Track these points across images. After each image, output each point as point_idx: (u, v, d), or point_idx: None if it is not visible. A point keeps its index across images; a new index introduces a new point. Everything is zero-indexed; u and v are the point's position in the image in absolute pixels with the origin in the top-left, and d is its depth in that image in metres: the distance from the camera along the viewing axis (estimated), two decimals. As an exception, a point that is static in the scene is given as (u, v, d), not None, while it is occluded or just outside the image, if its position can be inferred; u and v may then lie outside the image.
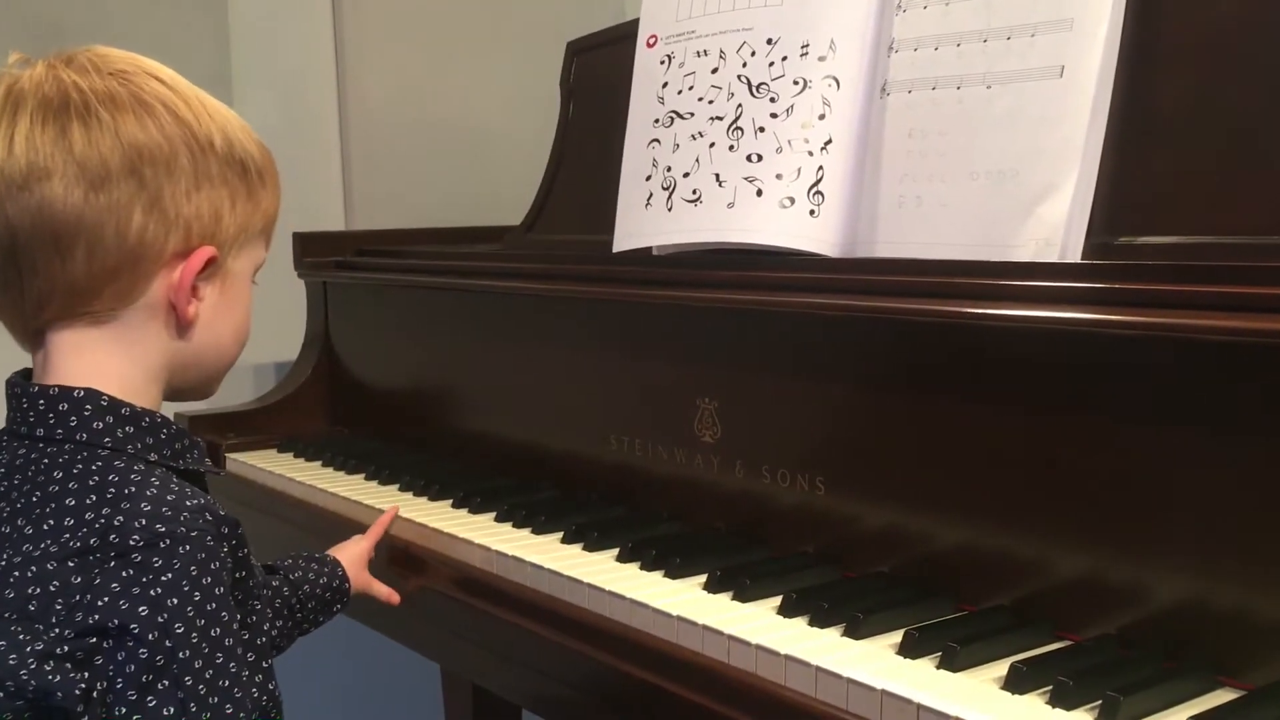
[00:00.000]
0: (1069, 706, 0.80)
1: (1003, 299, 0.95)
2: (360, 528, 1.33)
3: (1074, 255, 1.02)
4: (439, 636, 1.28)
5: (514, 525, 1.27)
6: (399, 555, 1.28)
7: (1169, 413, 0.87)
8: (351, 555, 1.18)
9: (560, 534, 1.22)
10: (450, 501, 1.37)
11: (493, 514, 1.31)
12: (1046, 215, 1.03)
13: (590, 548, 1.18)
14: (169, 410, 0.90)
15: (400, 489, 1.44)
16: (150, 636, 0.74)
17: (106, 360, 0.84)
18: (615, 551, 1.15)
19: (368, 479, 1.50)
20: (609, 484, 1.33)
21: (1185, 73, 1.01)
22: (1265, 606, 0.82)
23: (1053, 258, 1.02)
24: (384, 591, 1.21)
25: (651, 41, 1.36)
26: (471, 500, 1.34)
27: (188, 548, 0.77)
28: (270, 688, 0.82)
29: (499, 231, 1.76)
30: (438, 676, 1.91)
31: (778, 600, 1.00)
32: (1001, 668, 0.85)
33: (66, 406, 0.82)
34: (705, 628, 0.96)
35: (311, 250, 1.82)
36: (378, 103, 2.09)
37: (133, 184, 0.81)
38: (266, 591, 1.06)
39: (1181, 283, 0.86)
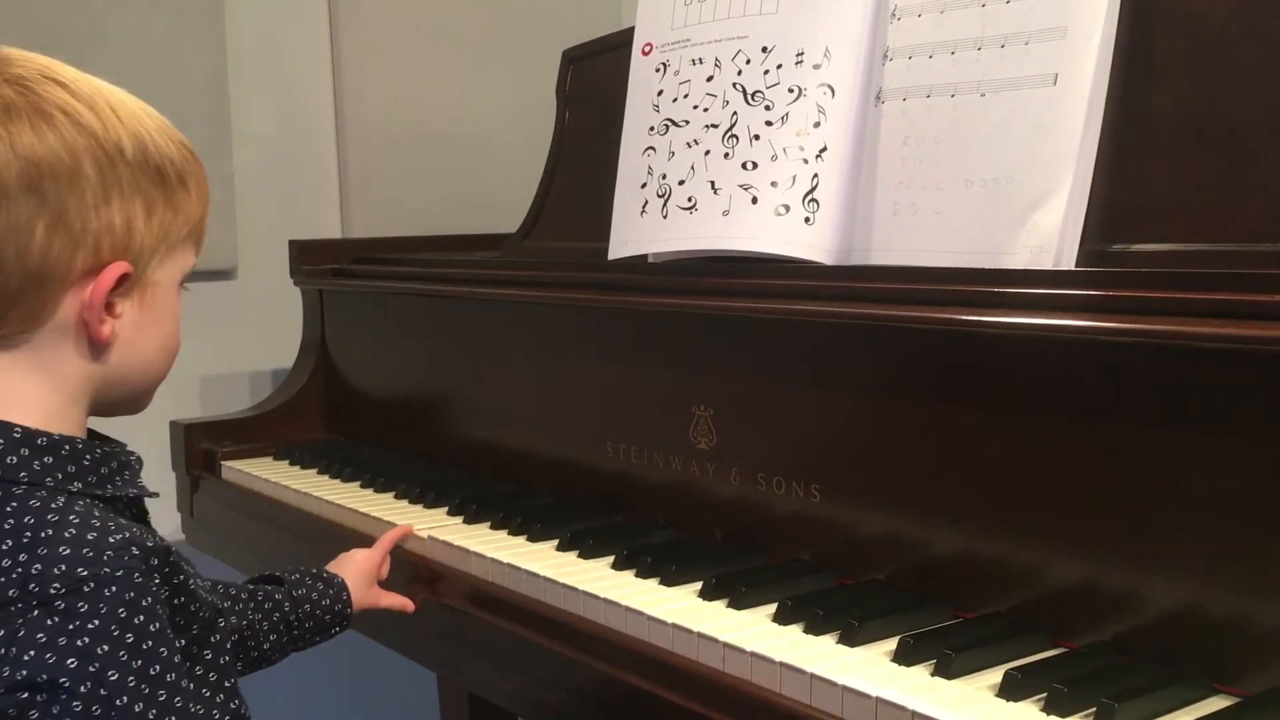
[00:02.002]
0: (1064, 714, 0.80)
1: (998, 306, 0.95)
2: (357, 535, 1.34)
3: (1068, 262, 1.02)
4: (434, 644, 1.28)
5: (509, 532, 1.27)
6: (395, 563, 1.28)
7: (1163, 420, 0.87)
8: (357, 570, 1.17)
9: (556, 541, 1.22)
10: (446, 509, 1.36)
11: (488, 521, 1.31)
12: (1041, 222, 1.03)
13: (586, 555, 1.17)
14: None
15: (396, 496, 1.44)
16: (83, 689, 0.70)
17: (21, 385, 0.79)
18: (611, 559, 1.15)
19: (363, 486, 1.50)
20: (605, 491, 1.33)
21: (1179, 80, 1.02)
22: (1261, 613, 0.82)
23: (1047, 265, 1.02)
24: (397, 602, 1.20)
25: (647, 50, 1.36)
26: (467, 508, 1.34)
27: (114, 589, 0.72)
28: (233, 706, 0.80)
29: (495, 239, 1.77)
30: (434, 684, 1.91)
31: (773, 607, 1.00)
32: (997, 675, 0.85)
33: None
34: (700, 635, 0.96)
35: (308, 258, 1.82)
36: (374, 110, 2.10)
37: (33, 201, 0.75)
38: (259, 617, 1.05)
39: (1176, 290, 0.86)
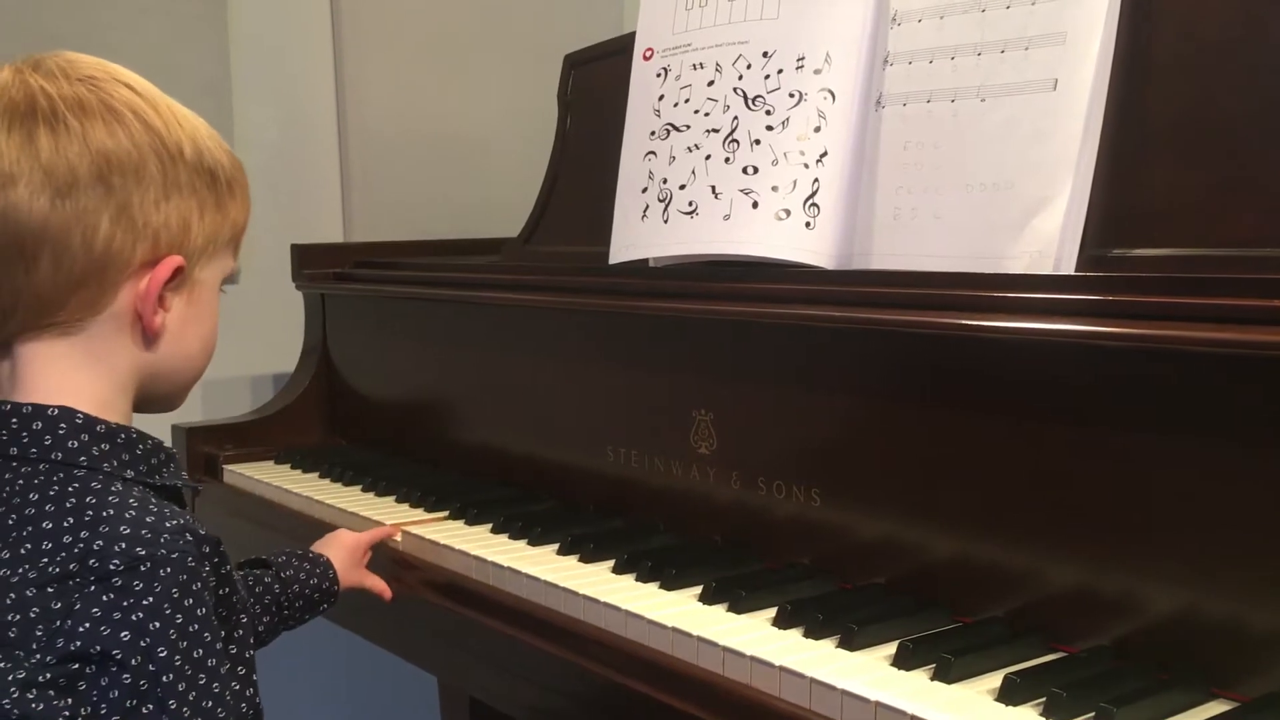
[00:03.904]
0: (1063, 718, 0.80)
1: (997, 311, 0.95)
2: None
3: (1068, 267, 1.02)
4: (436, 648, 1.28)
5: (510, 536, 1.27)
6: (396, 566, 1.28)
7: (1162, 424, 0.87)
8: (342, 550, 1.18)
9: (557, 545, 1.22)
10: (447, 512, 1.37)
11: (489, 525, 1.31)
12: (1041, 227, 1.03)
13: (586, 559, 1.18)
14: (153, 423, 0.89)
15: (397, 500, 1.44)
16: (133, 661, 0.73)
17: (75, 373, 0.82)
18: (611, 563, 1.15)
19: (365, 490, 1.50)
20: (606, 495, 1.33)
21: (1178, 85, 1.02)
22: (1259, 618, 0.82)
23: (1047, 270, 1.02)
24: (378, 585, 1.21)
25: (648, 54, 1.37)
26: (468, 511, 1.34)
27: (168, 570, 0.75)
28: (249, 694, 0.81)
29: (496, 243, 1.77)
30: (435, 688, 1.91)
31: (773, 611, 1.00)
32: (996, 679, 0.86)
33: (41, 425, 0.80)
34: (700, 639, 0.96)
35: (310, 262, 1.83)
36: (376, 115, 2.10)
37: (100, 191, 0.79)
38: (251, 601, 1.06)
39: (1175, 295, 0.86)
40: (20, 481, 0.79)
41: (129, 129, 0.81)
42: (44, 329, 0.81)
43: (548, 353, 1.43)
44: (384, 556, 1.28)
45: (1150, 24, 1.03)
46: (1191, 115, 1.00)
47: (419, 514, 1.38)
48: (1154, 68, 1.03)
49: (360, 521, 1.38)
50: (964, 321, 0.96)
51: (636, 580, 1.11)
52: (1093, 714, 0.80)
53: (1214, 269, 0.93)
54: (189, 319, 0.86)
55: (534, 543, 1.24)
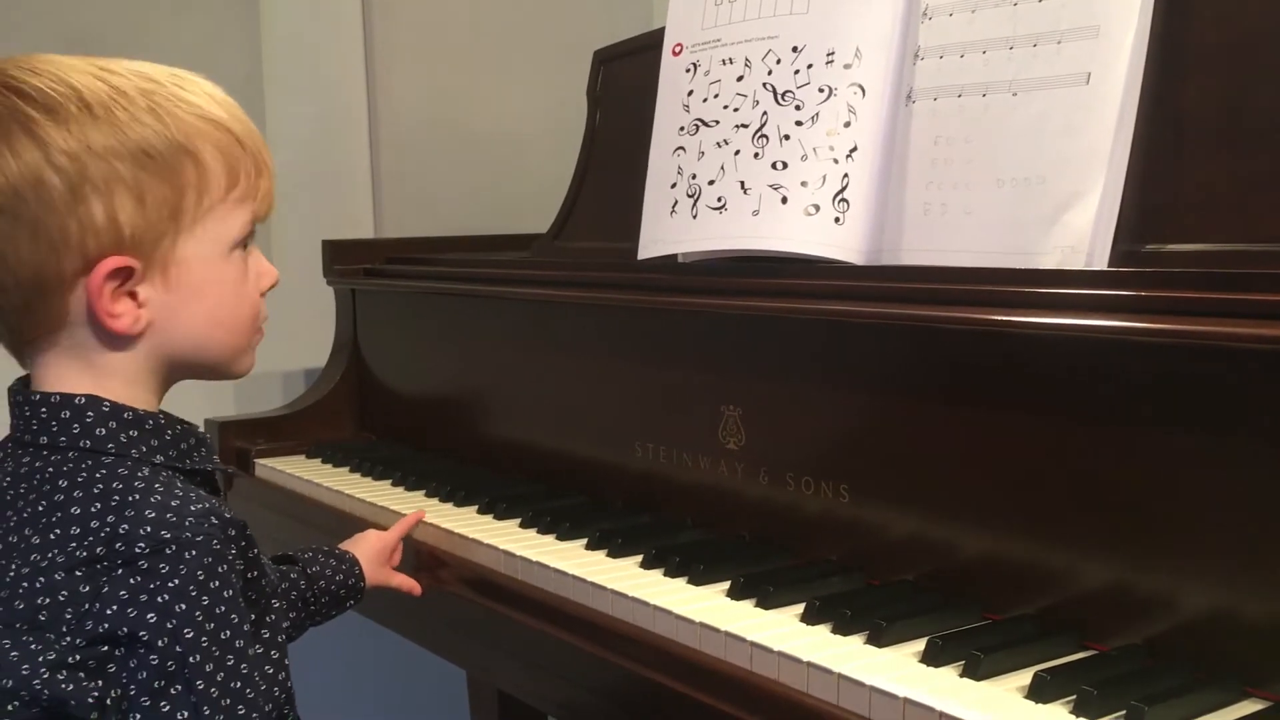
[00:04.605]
0: (1093, 716, 0.80)
1: (1029, 306, 0.94)
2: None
3: (1100, 262, 1.01)
4: (464, 642, 1.29)
5: (538, 531, 1.27)
6: (424, 560, 1.29)
7: (1195, 421, 0.86)
8: (369, 549, 1.19)
9: (584, 540, 1.22)
10: (475, 507, 1.37)
11: (517, 520, 1.31)
12: (1073, 222, 1.02)
13: (614, 554, 1.18)
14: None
15: (426, 495, 1.45)
16: (160, 643, 0.74)
17: (77, 380, 0.82)
18: (639, 558, 1.16)
19: (394, 485, 1.51)
20: (633, 491, 1.33)
21: (1212, 79, 1.01)
22: (1294, 617, 0.81)
23: (1079, 265, 1.01)
24: (406, 583, 1.21)
25: (677, 50, 1.37)
26: (497, 506, 1.35)
27: (194, 553, 0.76)
28: (280, 678, 0.83)
29: (526, 239, 1.77)
30: (464, 682, 1.91)
31: (801, 607, 1.00)
32: (1025, 677, 0.85)
33: (69, 414, 0.81)
34: (728, 634, 0.96)
35: (341, 258, 1.84)
36: (407, 111, 2.11)
37: (6, 221, 0.77)
38: (284, 585, 1.07)
39: (1209, 290, 0.85)
40: (50, 469, 0.80)
41: (14, 149, 0.77)
42: (34, 343, 0.83)
43: (576, 348, 1.43)
44: (412, 551, 1.29)
45: (1185, 16, 1.02)
46: (1227, 108, 0.99)
47: (448, 508, 1.39)
48: (1189, 60, 1.02)
49: (390, 515, 1.39)
50: (995, 317, 0.96)
51: (664, 575, 1.11)
52: (1124, 712, 0.79)
53: (1250, 264, 0.92)
54: (176, 304, 0.83)
55: (562, 538, 1.24)
